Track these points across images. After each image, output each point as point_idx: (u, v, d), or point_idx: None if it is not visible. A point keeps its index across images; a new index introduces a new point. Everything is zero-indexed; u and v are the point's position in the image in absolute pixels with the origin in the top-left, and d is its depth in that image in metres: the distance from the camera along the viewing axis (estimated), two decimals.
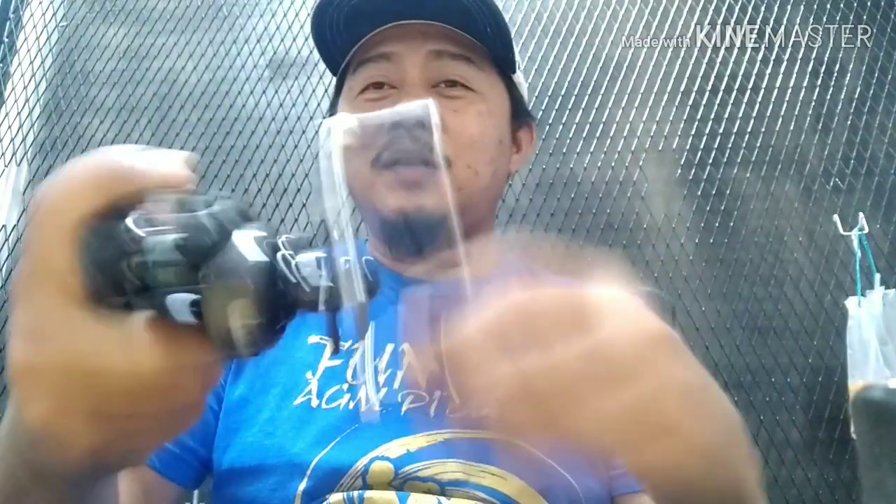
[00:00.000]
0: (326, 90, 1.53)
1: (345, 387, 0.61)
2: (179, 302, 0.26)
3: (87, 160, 0.28)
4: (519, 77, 0.74)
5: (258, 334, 0.26)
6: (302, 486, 0.55)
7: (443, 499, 0.55)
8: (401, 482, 0.55)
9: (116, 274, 0.26)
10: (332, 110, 0.76)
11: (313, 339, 0.64)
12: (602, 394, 0.29)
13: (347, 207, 0.31)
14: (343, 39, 0.70)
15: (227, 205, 0.27)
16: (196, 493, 0.66)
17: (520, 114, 0.74)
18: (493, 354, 0.30)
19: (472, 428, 0.59)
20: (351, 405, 0.60)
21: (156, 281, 0.26)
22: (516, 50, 0.73)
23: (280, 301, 0.27)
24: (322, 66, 1.07)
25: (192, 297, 0.26)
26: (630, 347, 0.30)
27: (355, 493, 0.55)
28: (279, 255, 0.27)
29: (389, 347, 0.64)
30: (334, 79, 0.75)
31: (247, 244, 0.26)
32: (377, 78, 0.68)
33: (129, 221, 0.26)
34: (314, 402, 0.60)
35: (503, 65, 0.71)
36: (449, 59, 0.67)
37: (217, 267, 0.25)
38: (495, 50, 0.69)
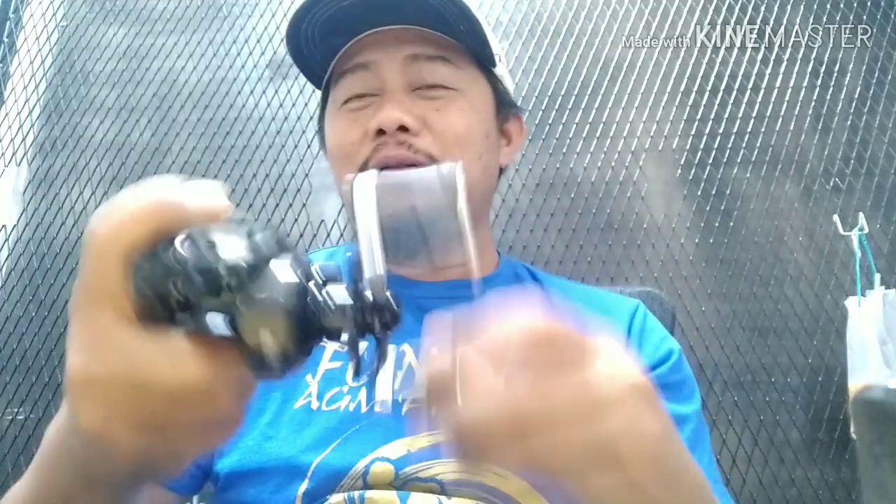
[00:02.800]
0: None
1: (345, 389, 0.61)
2: (218, 320, 0.28)
3: (136, 193, 0.30)
4: (501, 69, 0.74)
5: (288, 354, 0.29)
6: (303, 487, 0.55)
7: (443, 497, 0.55)
8: (402, 483, 0.55)
9: (163, 294, 0.29)
10: (320, 122, 0.76)
11: None
12: (573, 425, 0.32)
13: (380, 251, 0.32)
14: (321, 52, 0.70)
15: (265, 234, 0.30)
16: (195, 497, 0.65)
17: (505, 106, 0.74)
18: (489, 370, 0.33)
19: None
20: (351, 407, 0.60)
21: (199, 301, 0.28)
22: (505, 47, 0.72)
23: (309, 325, 0.29)
24: None
25: (230, 315, 0.28)
26: (611, 391, 0.33)
27: (356, 493, 0.55)
28: (311, 283, 0.30)
29: (390, 349, 0.64)
30: None
31: (283, 271, 0.29)
32: (358, 90, 0.68)
33: (176, 248, 0.29)
34: (314, 405, 0.60)
35: (482, 59, 0.71)
36: (426, 61, 0.67)
37: (255, 290, 0.28)
38: (471, 46, 0.69)
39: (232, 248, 0.29)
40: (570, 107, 1.50)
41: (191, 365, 0.29)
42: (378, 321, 0.31)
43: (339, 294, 0.30)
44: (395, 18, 0.66)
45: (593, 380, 0.33)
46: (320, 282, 0.30)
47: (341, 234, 1.46)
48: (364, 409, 0.60)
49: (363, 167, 0.66)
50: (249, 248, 0.29)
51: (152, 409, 0.29)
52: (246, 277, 0.28)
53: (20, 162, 1.59)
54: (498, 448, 0.32)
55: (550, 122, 1.49)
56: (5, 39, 1.68)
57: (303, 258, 0.30)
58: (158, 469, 0.33)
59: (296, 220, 1.48)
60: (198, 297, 0.28)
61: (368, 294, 0.31)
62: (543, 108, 1.50)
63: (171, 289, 0.29)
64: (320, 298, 0.29)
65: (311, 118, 1.54)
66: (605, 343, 0.35)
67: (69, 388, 0.30)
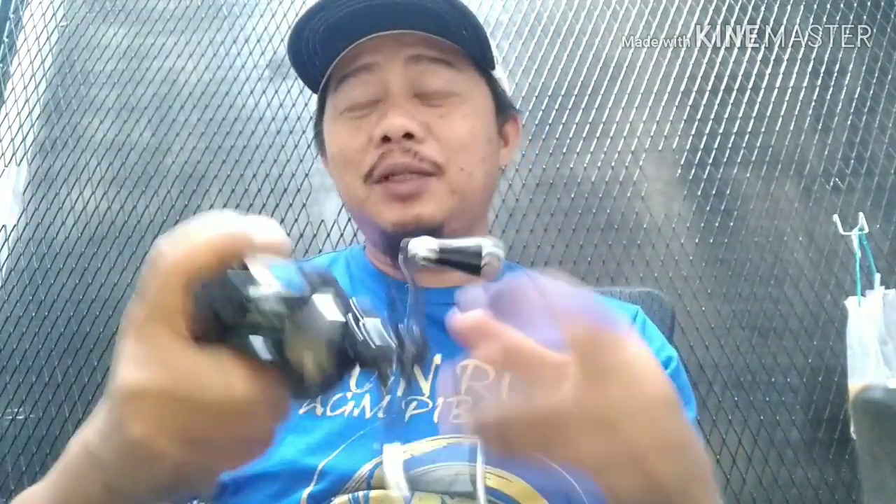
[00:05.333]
0: None
1: (349, 395, 0.61)
2: (263, 344, 0.32)
3: (204, 225, 0.33)
4: (499, 72, 0.74)
5: (327, 380, 0.32)
6: (308, 490, 0.56)
7: (447, 497, 0.55)
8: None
9: (220, 317, 0.32)
10: (318, 128, 0.76)
11: None
12: (600, 434, 0.34)
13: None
14: (321, 58, 0.70)
15: (313, 270, 0.34)
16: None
17: (504, 108, 0.74)
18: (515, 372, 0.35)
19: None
20: (356, 412, 0.60)
21: (251, 325, 0.32)
22: (505, 48, 0.73)
23: (348, 356, 0.33)
24: None
25: (276, 339, 0.32)
26: (635, 403, 0.35)
27: (360, 494, 0.55)
28: (350, 315, 0.33)
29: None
30: None
31: (327, 304, 0.32)
32: (360, 97, 0.68)
33: (236, 276, 0.32)
34: (318, 410, 0.60)
35: (482, 63, 0.71)
36: (428, 63, 0.67)
37: (303, 319, 0.32)
38: (472, 51, 0.69)
39: (284, 281, 0.32)
40: (570, 107, 1.50)
41: (238, 382, 0.31)
42: (410, 357, 0.35)
43: (375, 330, 0.33)
44: (397, 23, 0.66)
45: (617, 395, 0.34)
46: (359, 316, 0.33)
47: (341, 235, 1.46)
48: (368, 414, 0.60)
49: (368, 174, 0.66)
50: (299, 281, 0.32)
51: (199, 423, 0.31)
52: (295, 308, 0.31)
53: (20, 162, 1.59)
54: (518, 452, 0.35)
55: (550, 122, 1.49)
56: (5, 39, 1.68)
57: (343, 292, 0.34)
58: (191, 483, 0.35)
59: (296, 220, 1.48)
60: (250, 322, 0.32)
61: (401, 328, 0.34)
62: (543, 108, 1.50)
63: (227, 312, 0.32)
64: (360, 335, 0.33)
65: (311, 118, 1.53)
66: (634, 344, 0.36)
67: (118, 400, 0.32)
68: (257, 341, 0.32)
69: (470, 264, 0.40)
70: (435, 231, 0.66)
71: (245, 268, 0.33)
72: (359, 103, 0.68)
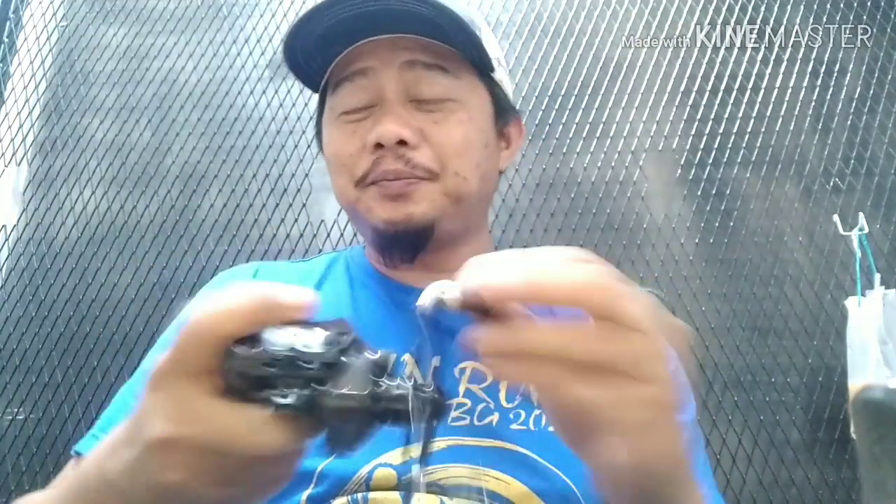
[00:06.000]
0: None
1: None
2: (297, 399, 0.34)
3: (237, 290, 0.36)
4: (500, 74, 0.74)
5: (359, 435, 0.36)
6: (307, 492, 0.56)
7: (445, 499, 0.55)
8: (404, 486, 0.56)
9: (256, 377, 0.35)
10: (318, 127, 0.76)
11: None
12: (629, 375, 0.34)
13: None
14: (318, 61, 0.70)
15: (337, 329, 0.37)
16: None
17: (505, 110, 0.74)
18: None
19: (474, 435, 0.59)
20: None
21: (286, 385, 0.34)
22: (505, 47, 0.73)
23: (375, 412, 0.35)
24: None
25: (306, 396, 0.34)
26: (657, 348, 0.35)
27: (359, 496, 0.55)
28: (382, 378, 0.36)
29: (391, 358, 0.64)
30: None
31: (360, 366, 0.35)
32: (355, 103, 0.68)
33: (267, 339, 0.35)
34: None
35: (480, 66, 0.71)
36: (423, 68, 0.67)
37: (340, 381, 0.35)
38: (469, 55, 0.69)
39: (316, 343, 0.35)
40: (570, 107, 1.50)
41: (274, 435, 0.34)
42: (431, 410, 0.37)
43: (403, 387, 0.36)
44: (391, 29, 0.66)
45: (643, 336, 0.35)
46: (387, 371, 0.36)
47: (341, 235, 1.46)
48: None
49: (361, 179, 0.67)
50: (329, 344, 0.35)
51: (232, 470, 0.35)
52: (330, 369, 0.35)
53: (20, 162, 1.59)
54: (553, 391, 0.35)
55: (550, 122, 1.49)
56: (5, 39, 1.68)
57: (366, 346, 0.37)
58: None
59: (296, 220, 1.48)
60: (287, 382, 0.34)
61: (425, 388, 0.37)
62: (543, 108, 1.50)
63: (265, 373, 0.34)
64: (392, 392, 0.36)
65: (311, 118, 1.54)
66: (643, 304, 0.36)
67: (151, 449, 0.35)
68: (288, 398, 0.34)
69: None
70: (426, 231, 0.66)
71: (279, 332, 0.35)
72: (354, 108, 0.68)
